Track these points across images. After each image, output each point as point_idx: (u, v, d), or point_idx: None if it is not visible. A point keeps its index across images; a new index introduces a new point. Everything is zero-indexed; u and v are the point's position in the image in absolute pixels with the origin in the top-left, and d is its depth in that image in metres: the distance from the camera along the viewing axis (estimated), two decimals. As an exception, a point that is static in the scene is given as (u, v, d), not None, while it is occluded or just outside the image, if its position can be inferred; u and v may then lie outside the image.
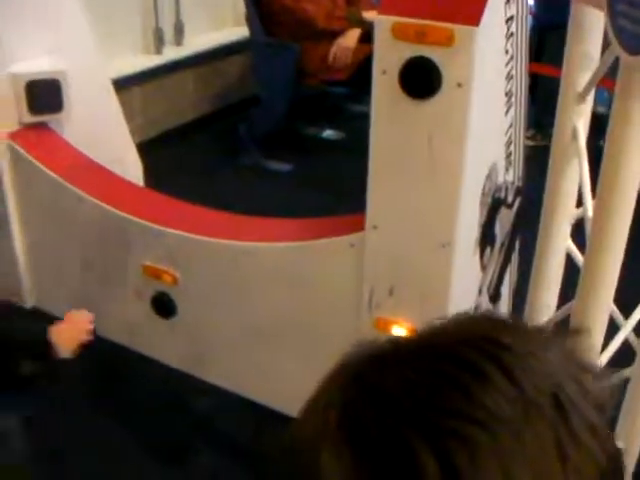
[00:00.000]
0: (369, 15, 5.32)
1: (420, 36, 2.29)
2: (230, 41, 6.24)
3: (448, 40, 2.26)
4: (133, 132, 4.35)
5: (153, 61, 5.76)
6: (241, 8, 5.79)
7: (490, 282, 3.09)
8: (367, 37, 5.12)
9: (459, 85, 2.29)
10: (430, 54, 2.29)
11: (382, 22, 2.35)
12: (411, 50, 2.31)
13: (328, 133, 6.06)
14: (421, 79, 2.32)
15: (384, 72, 2.37)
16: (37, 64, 3.65)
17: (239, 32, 6.17)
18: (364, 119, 5.82)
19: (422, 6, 2.31)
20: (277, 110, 5.42)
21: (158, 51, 5.86)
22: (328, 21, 5.22)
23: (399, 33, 2.32)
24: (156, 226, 3.21)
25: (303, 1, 5.21)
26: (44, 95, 3.63)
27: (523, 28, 2.81)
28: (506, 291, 3.41)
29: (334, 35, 5.20)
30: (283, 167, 5.49)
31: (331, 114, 6.28)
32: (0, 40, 3.49)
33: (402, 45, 2.32)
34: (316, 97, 5.70)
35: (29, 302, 3.97)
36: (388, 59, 2.35)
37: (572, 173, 1.83)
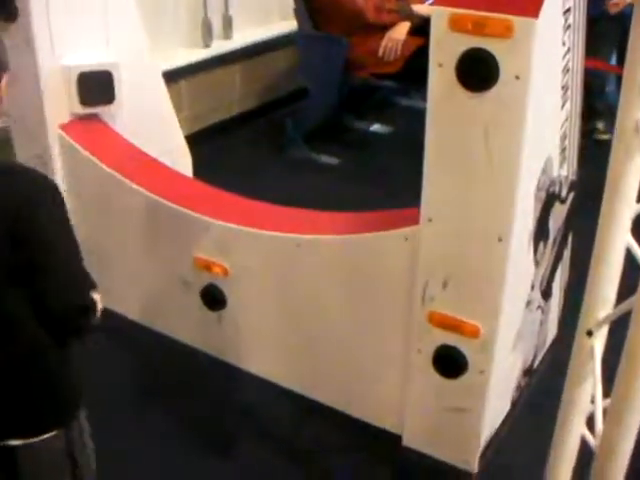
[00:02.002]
0: (418, 8, 5.29)
1: (478, 28, 2.26)
2: (278, 35, 6.23)
3: (507, 32, 2.23)
4: (181, 125, 4.34)
5: (201, 54, 5.77)
6: (289, 2, 5.77)
7: (542, 277, 3.06)
8: (416, 30, 5.10)
9: (517, 78, 2.27)
10: (488, 46, 2.26)
11: (439, 13, 2.32)
12: (468, 42, 2.29)
13: (376, 127, 6.03)
14: (478, 71, 2.30)
15: (440, 65, 2.35)
16: (89, 56, 3.66)
17: (287, 26, 6.15)
18: (413, 113, 5.86)
19: (480, -3, 2.29)
20: (325, 104, 5.40)
21: (206, 44, 5.86)
22: (377, 14, 5.19)
23: (456, 25, 2.29)
24: (207, 218, 3.21)
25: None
26: (95, 87, 3.64)
27: (580, 20, 2.77)
28: (557, 287, 3.37)
29: (383, 28, 5.17)
30: (331, 161, 5.47)
31: (379, 108, 6.25)
32: (52, 32, 3.50)
33: (459, 37, 2.30)
34: (364, 91, 5.68)
35: (78, 294, 3.98)
36: (445, 51, 2.33)
37: (634, 167, 1.80)
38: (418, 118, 4.86)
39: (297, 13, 5.55)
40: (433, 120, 2.45)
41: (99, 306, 2.02)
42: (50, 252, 1.86)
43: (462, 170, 2.45)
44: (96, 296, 2.03)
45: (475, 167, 2.41)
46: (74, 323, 1.95)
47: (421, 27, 5.10)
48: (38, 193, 1.85)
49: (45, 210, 1.84)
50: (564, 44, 2.62)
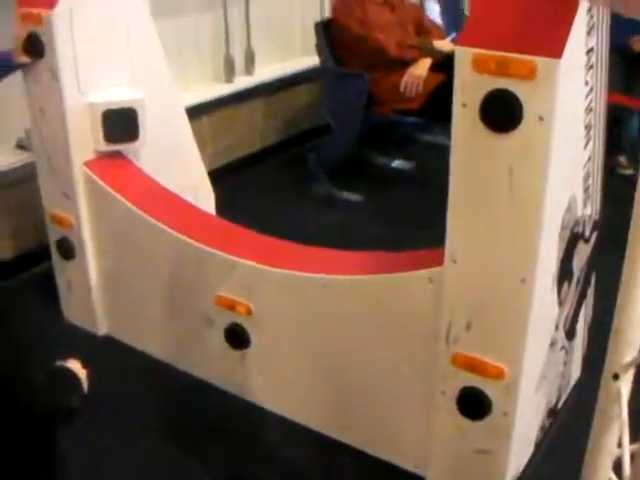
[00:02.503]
0: (440, 44, 5.32)
1: (501, 68, 2.26)
2: (299, 70, 6.27)
3: (531, 73, 2.23)
4: (203, 160, 4.36)
5: (224, 90, 5.81)
6: (310, 37, 5.80)
7: (566, 318, 3.04)
8: (438, 66, 5.11)
9: (541, 118, 2.26)
10: (512, 87, 2.26)
11: (462, 54, 2.32)
12: (492, 83, 2.29)
13: (398, 163, 6.04)
14: (502, 112, 2.30)
15: (464, 105, 2.35)
16: (114, 93, 3.69)
17: (308, 61, 6.19)
18: (434, 149, 5.87)
19: (503, 37, 2.29)
20: (347, 139, 5.41)
21: (229, 80, 5.90)
22: (399, 50, 5.21)
23: (480, 65, 2.29)
24: (230, 257, 3.21)
25: (374, 30, 5.21)
26: (120, 124, 3.66)
27: (603, 59, 2.77)
28: (581, 327, 3.35)
29: (405, 64, 5.18)
30: (353, 197, 5.47)
31: (401, 144, 6.26)
32: (78, 69, 3.53)
33: (483, 77, 2.30)
34: (386, 126, 5.69)
35: (101, 330, 4.00)
36: (468, 92, 2.33)
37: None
38: (440, 154, 4.86)
39: (319, 48, 5.57)
40: (457, 160, 2.45)
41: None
42: None
43: (486, 211, 2.45)
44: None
45: (499, 208, 2.41)
46: None
47: (442, 63, 5.13)
48: None
49: None
50: (587, 84, 2.61)
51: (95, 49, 3.58)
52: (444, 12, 6.68)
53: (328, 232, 4.61)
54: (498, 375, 2.65)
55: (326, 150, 5.63)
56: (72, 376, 2.04)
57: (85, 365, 2.17)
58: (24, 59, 3.50)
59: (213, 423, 3.41)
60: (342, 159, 5.56)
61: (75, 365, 2.11)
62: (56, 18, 3.39)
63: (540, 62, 2.21)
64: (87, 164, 3.68)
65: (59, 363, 2.11)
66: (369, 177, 5.85)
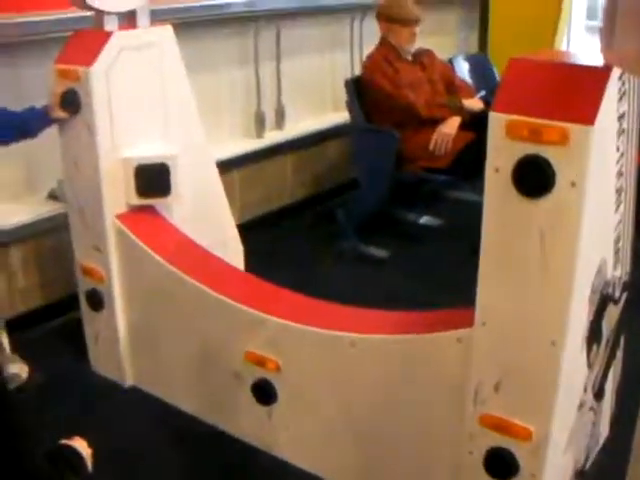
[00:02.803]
0: (469, 103, 5.36)
1: (534, 134, 2.29)
2: (329, 126, 6.32)
3: (563, 139, 2.26)
4: (233, 213, 4.40)
5: (254, 145, 5.87)
6: (340, 93, 5.86)
7: (595, 379, 3.03)
8: (467, 125, 5.15)
9: (573, 184, 2.28)
10: (544, 153, 2.29)
11: (496, 120, 2.35)
12: (525, 148, 2.31)
13: (426, 219, 6.05)
14: (534, 178, 2.32)
15: (497, 170, 2.37)
16: (147, 148, 3.75)
17: (338, 117, 6.24)
18: (463, 206, 5.88)
19: (536, 104, 2.32)
20: (376, 196, 5.44)
21: (259, 135, 5.96)
22: (429, 109, 5.25)
23: (513, 131, 2.32)
24: (260, 313, 3.23)
25: (404, 88, 5.26)
26: (152, 179, 3.71)
27: (633, 123, 2.79)
28: (609, 388, 3.34)
29: (434, 122, 5.22)
30: (381, 253, 5.48)
31: (429, 200, 6.28)
32: (113, 125, 3.59)
33: (515, 143, 2.33)
34: (415, 183, 5.71)
35: (128, 381, 4.01)
36: (501, 157, 2.36)
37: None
38: (468, 211, 4.88)
39: (349, 105, 5.62)
40: (489, 224, 2.47)
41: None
42: None
43: (517, 274, 2.46)
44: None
45: (530, 271, 2.42)
46: None
47: (472, 121, 5.17)
48: None
49: None
50: (618, 149, 2.63)
51: (130, 106, 3.65)
52: (473, 70, 6.74)
53: (355, 288, 4.63)
54: (526, 436, 2.65)
55: (354, 206, 5.65)
56: (76, 456, 2.03)
57: (90, 444, 2.15)
58: (61, 114, 3.56)
59: (239, 478, 3.41)
60: (370, 215, 5.58)
61: (80, 443, 2.10)
62: (93, 75, 3.46)
63: (573, 129, 2.24)
64: (119, 217, 3.72)
65: (63, 441, 2.09)
66: (397, 233, 5.86)
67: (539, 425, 2.62)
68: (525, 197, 2.35)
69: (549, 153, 2.28)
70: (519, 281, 2.46)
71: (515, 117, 2.32)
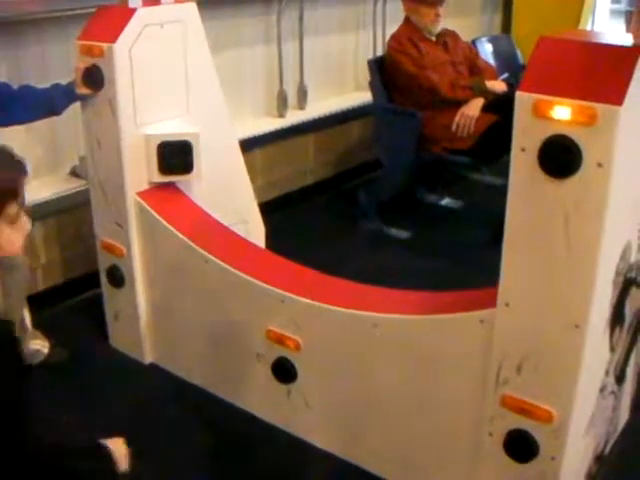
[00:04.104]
0: (492, 85, 5.33)
1: (562, 114, 2.27)
2: (351, 106, 6.30)
3: (590, 119, 2.23)
4: (254, 193, 4.39)
5: (276, 124, 5.86)
6: (362, 74, 5.85)
7: (617, 363, 3.02)
8: (490, 107, 5.12)
9: (599, 165, 2.26)
10: (571, 133, 2.26)
11: (523, 99, 2.33)
12: (552, 128, 2.29)
13: (447, 201, 6.04)
14: (561, 158, 2.29)
15: (523, 149, 2.35)
16: (169, 126, 3.74)
17: (360, 97, 6.23)
18: (483, 188, 5.86)
19: (564, 84, 2.29)
20: (398, 176, 5.43)
21: (281, 114, 5.95)
22: (452, 90, 5.23)
23: (540, 111, 2.30)
24: (281, 292, 3.23)
25: (428, 69, 5.24)
26: (174, 156, 3.70)
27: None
28: (631, 372, 3.33)
29: (457, 104, 5.19)
30: (402, 234, 5.47)
31: (450, 182, 6.27)
32: (135, 102, 3.58)
33: (543, 123, 2.30)
34: (436, 165, 5.69)
35: (147, 359, 4.02)
36: (528, 137, 2.34)
37: None
38: (489, 193, 4.85)
39: (372, 86, 5.61)
40: (514, 204, 2.45)
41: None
42: None
43: (541, 255, 2.44)
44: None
45: (554, 253, 2.40)
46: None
47: (495, 104, 5.14)
48: None
49: None
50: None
51: (153, 82, 3.64)
52: (496, 52, 6.70)
53: (376, 268, 4.62)
54: (547, 419, 2.64)
55: (376, 187, 5.65)
56: (108, 458, 2.02)
57: (129, 445, 2.14)
58: (84, 91, 3.55)
59: (256, 456, 3.41)
60: (392, 196, 5.57)
61: (117, 444, 2.09)
62: (117, 52, 3.45)
63: (601, 109, 2.22)
64: (140, 195, 3.72)
65: (100, 441, 2.08)
66: (418, 215, 5.86)
67: (560, 407, 2.61)
68: (551, 177, 2.33)
69: (576, 133, 2.26)
70: (543, 262, 2.44)
71: (543, 96, 2.29)
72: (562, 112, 2.27)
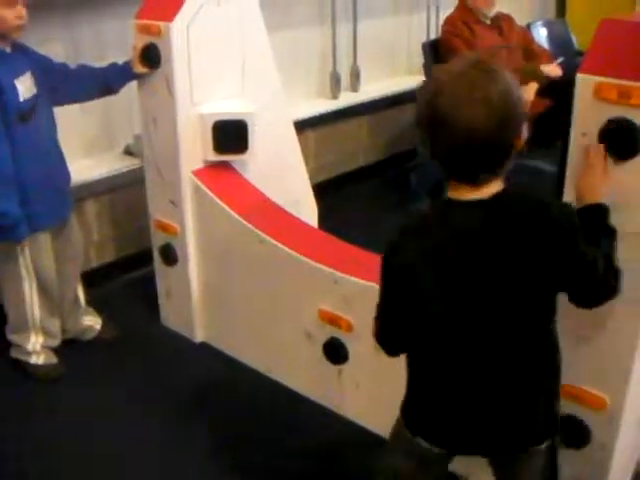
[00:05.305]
0: (548, 69, 5.27)
1: (623, 97, 2.24)
2: (404, 89, 6.28)
3: (653, 106, 2.21)
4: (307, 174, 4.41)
5: (329, 106, 5.86)
6: (415, 57, 5.82)
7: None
8: (545, 91, 5.07)
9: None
10: (632, 115, 2.24)
11: (584, 82, 2.31)
12: (613, 111, 2.27)
13: (498, 187, 5.98)
14: (622, 141, 2.27)
15: (584, 134, 2.32)
16: (225, 105, 3.75)
17: (413, 80, 6.19)
18: (535, 174, 5.80)
19: (626, 66, 2.26)
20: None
21: (334, 96, 5.94)
22: (505, 74, 5.18)
23: (601, 93, 2.27)
24: (334, 271, 3.22)
25: (482, 53, 5.20)
26: (230, 136, 3.72)
27: None
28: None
29: (511, 88, 5.14)
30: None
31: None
32: (192, 81, 3.60)
33: (604, 106, 2.28)
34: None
35: (198, 337, 4.05)
36: (588, 120, 2.31)
37: None
38: (540, 179, 4.79)
39: (426, 69, 5.58)
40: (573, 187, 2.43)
41: None
42: None
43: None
44: None
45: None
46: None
47: (550, 88, 5.09)
48: None
49: None
50: None
51: (209, 61, 3.65)
52: (551, 36, 6.63)
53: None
54: (600, 405, 2.62)
55: (428, 170, 5.61)
56: None
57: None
58: (141, 69, 3.57)
59: (304, 436, 3.43)
60: (442, 180, 5.53)
61: None
62: (174, 30, 3.46)
63: (663, 91, 2.19)
64: (195, 173, 3.74)
65: None
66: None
67: (613, 394, 2.59)
68: (611, 160, 2.30)
69: (637, 116, 2.23)
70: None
71: (604, 79, 2.26)
72: (624, 95, 2.24)
